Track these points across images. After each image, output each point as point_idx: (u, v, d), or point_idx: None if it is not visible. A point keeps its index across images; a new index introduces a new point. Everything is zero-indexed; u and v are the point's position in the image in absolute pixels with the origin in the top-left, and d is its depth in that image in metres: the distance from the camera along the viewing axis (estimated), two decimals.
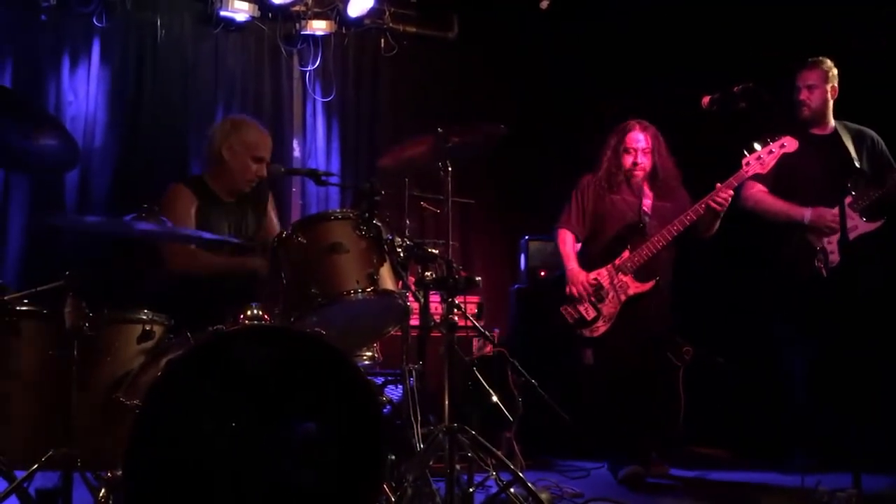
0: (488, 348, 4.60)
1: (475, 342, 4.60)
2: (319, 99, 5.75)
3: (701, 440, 4.91)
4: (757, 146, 3.96)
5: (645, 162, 4.14)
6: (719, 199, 3.95)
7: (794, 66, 4.34)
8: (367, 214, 3.02)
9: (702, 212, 3.98)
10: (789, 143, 3.94)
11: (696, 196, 4.09)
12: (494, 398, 3.83)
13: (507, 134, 3.39)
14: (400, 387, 3.76)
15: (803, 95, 4.28)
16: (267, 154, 3.73)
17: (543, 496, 3.15)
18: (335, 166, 5.72)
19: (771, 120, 3.85)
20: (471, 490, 3.06)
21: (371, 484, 2.62)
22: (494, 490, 3.09)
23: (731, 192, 3.98)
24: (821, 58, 4.29)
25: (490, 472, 3.15)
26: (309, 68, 5.70)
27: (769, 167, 3.98)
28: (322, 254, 2.97)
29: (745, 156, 3.97)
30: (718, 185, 3.98)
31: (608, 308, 4.06)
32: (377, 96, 5.92)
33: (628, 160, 4.14)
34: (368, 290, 2.93)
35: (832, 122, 4.32)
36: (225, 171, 3.69)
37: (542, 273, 5.21)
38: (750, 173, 3.98)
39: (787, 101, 4.27)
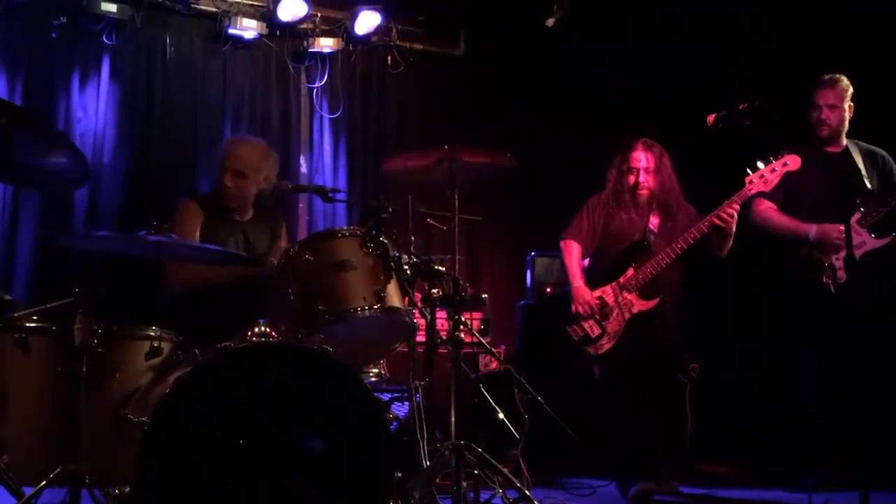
0: (493, 364, 4.61)
1: (482, 359, 4.60)
2: (326, 115, 5.78)
3: (709, 457, 4.88)
4: (760, 164, 3.92)
5: (648, 181, 4.16)
6: (723, 216, 3.93)
7: (811, 84, 4.29)
8: (374, 231, 3.04)
9: (706, 230, 3.96)
10: (792, 162, 3.89)
11: (702, 214, 4.06)
12: (501, 415, 3.82)
13: (514, 164, 3.40)
14: (406, 403, 3.76)
15: (824, 115, 4.23)
16: (247, 168, 3.68)
17: None
18: (342, 183, 5.74)
19: (777, 137, 3.82)
20: None
21: (377, 500, 2.62)
22: None
23: (736, 209, 3.94)
24: (838, 75, 4.24)
25: (496, 489, 3.15)
26: (316, 85, 5.73)
27: (773, 185, 3.94)
28: (329, 271, 2.99)
29: (749, 174, 3.94)
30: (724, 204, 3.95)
31: (612, 325, 4.07)
32: (384, 113, 5.95)
33: (631, 179, 4.18)
34: (375, 307, 2.96)
35: (844, 141, 4.31)
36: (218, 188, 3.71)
37: (549, 289, 5.21)
38: (753, 191, 3.95)
39: (795, 117, 4.24)
